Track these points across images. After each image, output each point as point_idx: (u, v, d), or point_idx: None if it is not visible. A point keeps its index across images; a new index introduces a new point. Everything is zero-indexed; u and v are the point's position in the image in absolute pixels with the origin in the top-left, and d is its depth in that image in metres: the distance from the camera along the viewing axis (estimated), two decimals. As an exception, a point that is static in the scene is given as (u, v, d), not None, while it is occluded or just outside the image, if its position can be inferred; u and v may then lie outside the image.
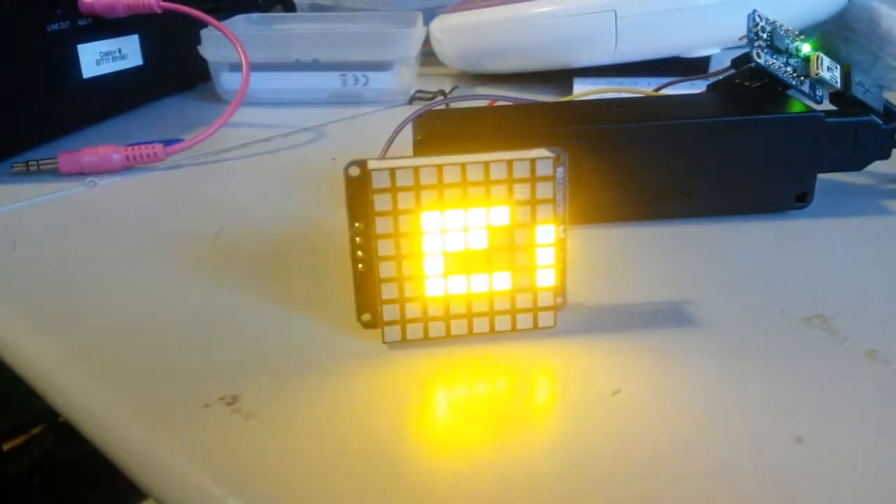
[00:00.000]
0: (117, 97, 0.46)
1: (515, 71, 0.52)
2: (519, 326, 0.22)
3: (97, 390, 0.21)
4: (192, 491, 0.17)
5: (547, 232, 0.21)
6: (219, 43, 0.46)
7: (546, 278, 0.22)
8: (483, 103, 0.35)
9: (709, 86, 0.34)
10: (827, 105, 0.31)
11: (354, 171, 0.21)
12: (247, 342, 0.23)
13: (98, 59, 0.43)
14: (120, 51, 0.44)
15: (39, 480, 0.63)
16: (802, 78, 0.31)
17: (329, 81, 0.49)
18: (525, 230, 0.21)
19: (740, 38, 0.31)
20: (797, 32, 0.32)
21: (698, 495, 0.16)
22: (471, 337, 0.22)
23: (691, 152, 0.29)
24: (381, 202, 0.20)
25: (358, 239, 0.22)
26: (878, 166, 0.32)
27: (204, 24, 0.45)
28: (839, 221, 0.30)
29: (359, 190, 0.21)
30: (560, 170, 0.21)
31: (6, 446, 0.63)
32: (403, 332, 0.22)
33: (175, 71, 0.51)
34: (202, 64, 0.49)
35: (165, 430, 0.19)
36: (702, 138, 0.29)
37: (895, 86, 0.48)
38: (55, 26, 0.39)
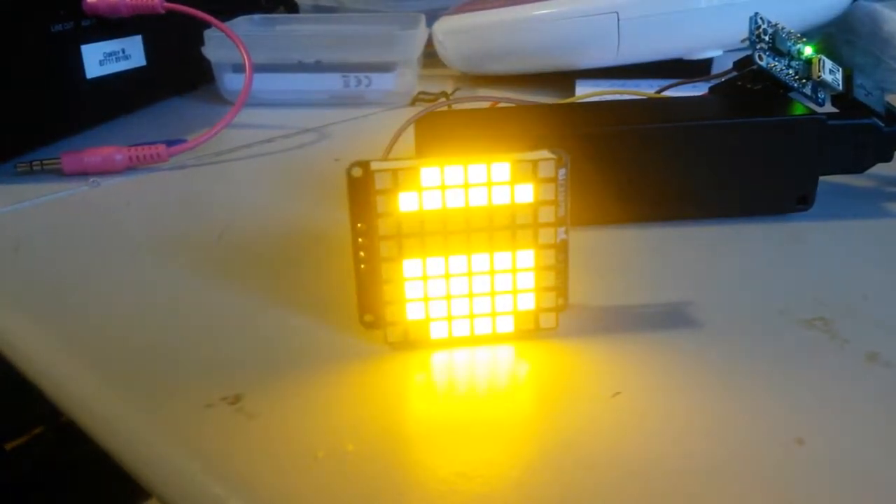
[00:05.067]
0: (120, 98, 0.46)
1: (518, 73, 0.52)
2: (521, 327, 0.22)
3: (100, 390, 0.21)
4: (194, 490, 0.17)
5: (549, 233, 0.21)
6: (222, 44, 0.46)
7: (548, 279, 0.22)
8: (485, 105, 0.35)
9: (711, 88, 0.34)
10: (829, 108, 0.31)
11: (357, 172, 0.21)
12: (249, 342, 0.23)
13: (101, 59, 0.43)
14: (123, 51, 0.44)
15: (42, 480, 0.63)
16: (804, 80, 0.31)
17: (331, 82, 0.49)
18: (527, 232, 0.21)
19: (742, 41, 0.31)
20: (799, 35, 0.32)
21: (698, 497, 0.17)
22: (473, 338, 0.22)
23: (693, 154, 0.29)
24: (383, 203, 0.20)
25: (360, 240, 0.22)
26: (879, 169, 0.32)
27: (207, 25, 0.45)
28: (840, 224, 0.30)
29: (361, 191, 0.21)
30: (562, 171, 0.21)
31: (8, 446, 0.63)
32: (405, 332, 0.22)
33: (178, 72, 0.51)
34: (205, 65, 0.49)
35: (168, 429, 0.19)
36: (703, 140, 0.29)
37: (897, 88, 0.48)
38: (59, 27, 0.39)
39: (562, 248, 0.22)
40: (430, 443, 0.18)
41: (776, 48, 0.31)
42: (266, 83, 0.48)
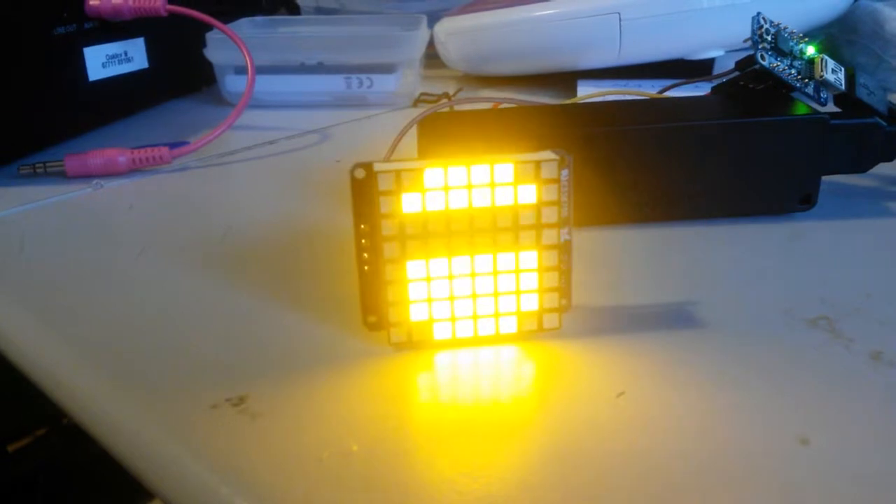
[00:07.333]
0: (123, 100, 0.46)
1: (519, 73, 0.52)
2: (524, 328, 0.22)
3: (104, 391, 0.21)
4: (198, 491, 0.17)
5: (552, 234, 0.21)
6: (224, 46, 0.46)
7: (551, 280, 0.22)
8: (487, 106, 0.35)
9: (713, 88, 0.34)
10: (831, 107, 0.31)
11: (360, 173, 0.21)
12: (253, 343, 0.23)
13: (104, 61, 0.43)
14: (126, 54, 0.44)
15: (44, 482, 0.63)
16: (807, 80, 0.31)
17: (333, 84, 0.49)
18: (530, 232, 0.21)
19: (745, 41, 0.31)
20: (801, 35, 0.32)
21: (703, 496, 0.17)
22: (476, 339, 0.22)
23: (696, 154, 0.29)
24: (386, 204, 0.21)
25: (363, 241, 0.22)
26: (882, 168, 0.32)
27: (209, 27, 0.45)
28: (844, 223, 0.30)
29: (364, 192, 0.21)
30: (565, 172, 0.21)
31: (11, 448, 0.63)
32: (409, 333, 0.22)
33: (180, 74, 0.51)
34: (207, 67, 0.49)
35: (173, 430, 0.19)
36: (706, 140, 0.29)
37: (899, 88, 0.48)
38: (61, 29, 0.39)
39: (565, 249, 0.22)
40: (434, 443, 0.18)
41: (778, 48, 0.31)
42: (268, 85, 0.48)
